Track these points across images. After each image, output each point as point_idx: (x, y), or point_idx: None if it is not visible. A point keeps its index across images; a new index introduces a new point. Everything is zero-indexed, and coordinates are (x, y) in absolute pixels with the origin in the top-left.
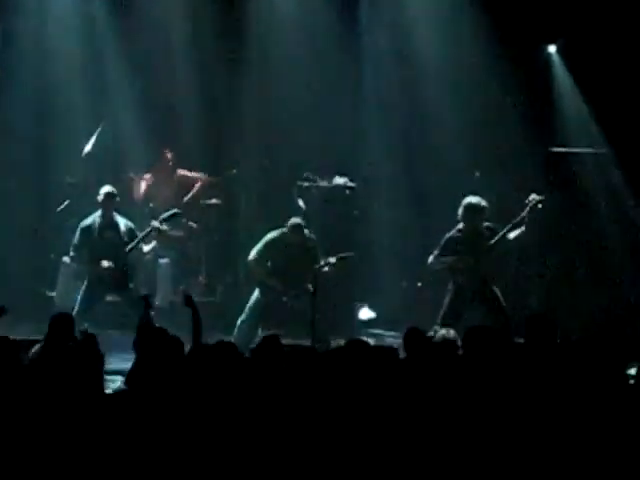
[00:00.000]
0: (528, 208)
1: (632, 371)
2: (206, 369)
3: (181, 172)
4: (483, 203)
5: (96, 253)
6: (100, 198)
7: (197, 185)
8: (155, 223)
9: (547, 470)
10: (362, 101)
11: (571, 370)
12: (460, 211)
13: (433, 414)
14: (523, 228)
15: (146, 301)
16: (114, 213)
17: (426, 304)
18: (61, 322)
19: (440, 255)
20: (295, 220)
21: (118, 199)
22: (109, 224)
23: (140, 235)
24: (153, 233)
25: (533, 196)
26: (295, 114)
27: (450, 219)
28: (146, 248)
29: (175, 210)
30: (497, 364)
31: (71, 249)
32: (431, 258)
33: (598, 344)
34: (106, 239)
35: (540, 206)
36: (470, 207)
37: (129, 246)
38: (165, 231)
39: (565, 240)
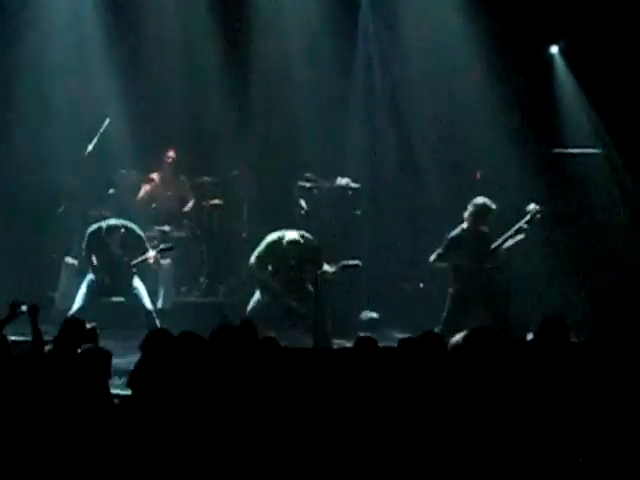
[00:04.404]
0: (528, 217)
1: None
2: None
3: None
4: (493, 206)
5: (101, 258)
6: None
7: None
8: (152, 253)
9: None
10: (365, 101)
11: (581, 371)
12: (469, 210)
13: (435, 417)
14: (522, 236)
15: None
16: (121, 219)
17: (428, 305)
18: (72, 327)
19: (443, 254)
20: (292, 236)
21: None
22: (118, 228)
23: (139, 259)
24: (148, 262)
25: (532, 206)
26: (297, 115)
27: (452, 219)
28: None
29: (172, 244)
30: (498, 365)
31: (80, 255)
32: (433, 256)
33: (605, 345)
34: (112, 243)
35: (539, 216)
36: (479, 208)
37: (133, 262)
38: (158, 260)
39: (566, 242)
